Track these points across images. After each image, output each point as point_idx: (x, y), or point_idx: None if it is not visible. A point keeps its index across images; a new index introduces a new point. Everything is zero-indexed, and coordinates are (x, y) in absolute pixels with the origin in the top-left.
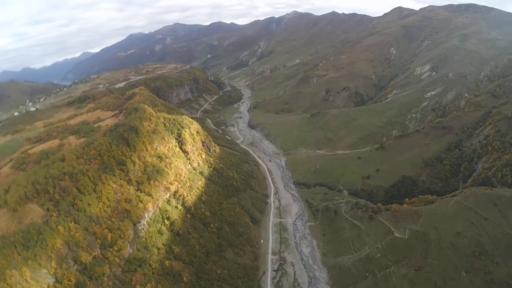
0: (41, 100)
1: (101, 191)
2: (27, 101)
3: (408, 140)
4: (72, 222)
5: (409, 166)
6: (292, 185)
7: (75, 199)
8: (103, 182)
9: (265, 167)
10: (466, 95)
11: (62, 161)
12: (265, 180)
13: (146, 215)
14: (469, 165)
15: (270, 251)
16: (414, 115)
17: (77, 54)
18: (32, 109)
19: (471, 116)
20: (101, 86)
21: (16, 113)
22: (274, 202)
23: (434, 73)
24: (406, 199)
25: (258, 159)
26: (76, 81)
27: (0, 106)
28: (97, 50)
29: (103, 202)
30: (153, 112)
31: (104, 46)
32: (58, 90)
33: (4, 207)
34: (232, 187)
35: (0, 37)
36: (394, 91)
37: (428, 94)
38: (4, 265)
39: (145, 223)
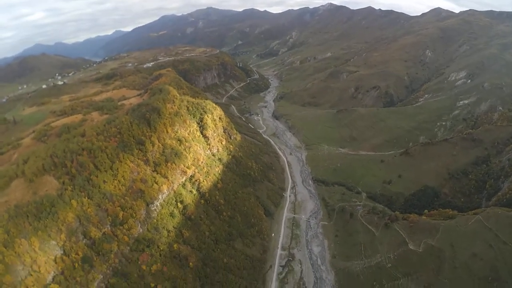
0: (70, 74)
1: (117, 169)
2: (57, 74)
3: (435, 148)
4: (86, 197)
5: (433, 176)
6: (310, 181)
7: (91, 175)
8: (121, 160)
9: (285, 159)
10: (500, 108)
11: (82, 136)
12: (283, 173)
13: (160, 196)
14: (495, 183)
15: (279, 245)
16: (444, 123)
17: (110, 32)
18: (60, 82)
19: (503, 131)
20: (129, 64)
21: (44, 86)
22: (290, 196)
23: (469, 80)
24: (426, 211)
25: (278, 151)
26: (106, 58)
27: (31, 78)
28: (129, 29)
29: (118, 180)
30: (177, 94)
31: (136, 26)
32: (88, 65)
33: (22, 177)
34: (249, 177)
35: (34, 11)
36: (426, 95)
37: (461, 102)
38: (15, 233)
39: (158, 205)
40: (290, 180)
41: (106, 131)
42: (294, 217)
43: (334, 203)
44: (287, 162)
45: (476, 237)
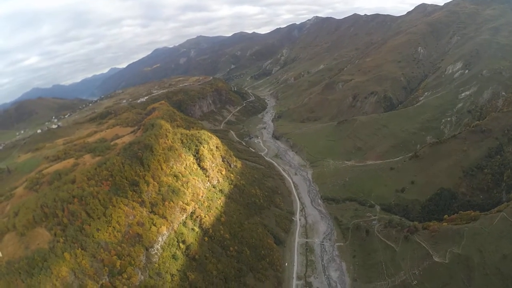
0: (66, 116)
1: (111, 215)
2: (53, 117)
3: (444, 147)
4: (79, 249)
5: (447, 176)
6: (319, 200)
7: (84, 224)
8: (114, 205)
9: (290, 181)
10: (503, 93)
11: (72, 182)
12: (290, 196)
13: (159, 239)
14: None
15: (294, 275)
16: (449, 119)
17: (105, 70)
18: (54, 126)
19: (511, 117)
20: (124, 101)
21: (39, 130)
22: (300, 220)
23: (466, 71)
24: (446, 216)
25: (283, 172)
26: (102, 96)
27: (28, 122)
28: (124, 65)
29: (112, 227)
30: (170, 128)
31: (131, 62)
32: (83, 106)
33: (13, 230)
34: (255, 205)
35: (29, 56)
36: (426, 93)
37: (463, 94)
38: None
39: (159, 248)
40: (298, 202)
41: (97, 175)
42: (306, 241)
43: (347, 221)
44: (293, 183)
45: (503, 237)
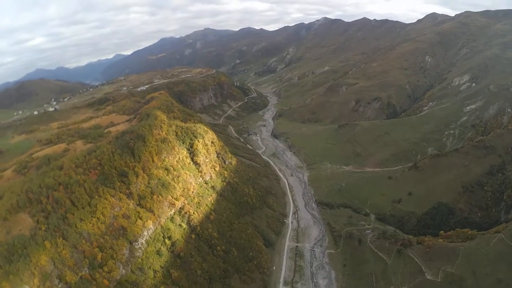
0: (65, 99)
1: (96, 205)
2: (52, 100)
3: (445, 160)
4: (61, 238)
5: (446, 190)
6: (313, 204)
7: (67, 213)
8: (100, 195)
9: (285, 182)
10: (509, 110)
11: (60, 169)
12: (284, 197)
13: (145, 233)
14: None
15: (282, 280)
16: (452, 131)
17: (110, 56)
18: (51, 109)
19: None
20: (124, 88)
21: (35, 112)
22: (292, 222)
23: (473, 84)
24: (442, 232)
25: (279, 172)
26: (103, 82)
27: (28, 103)
28: (129, 52)
29: (97, 218)
30: (165, 119)
31: (136, 49)
32: (84, 90)
33: None
34: (247, 205)
35: (34, 37)
36: (430, 103)
37: (468, 108)
38: None
39: (143, 242)
40: (291, 205)
41: (86, 163)
42: (297, 246)
43: (340, 228)
44: (288, 184)
45: (500, 259)
